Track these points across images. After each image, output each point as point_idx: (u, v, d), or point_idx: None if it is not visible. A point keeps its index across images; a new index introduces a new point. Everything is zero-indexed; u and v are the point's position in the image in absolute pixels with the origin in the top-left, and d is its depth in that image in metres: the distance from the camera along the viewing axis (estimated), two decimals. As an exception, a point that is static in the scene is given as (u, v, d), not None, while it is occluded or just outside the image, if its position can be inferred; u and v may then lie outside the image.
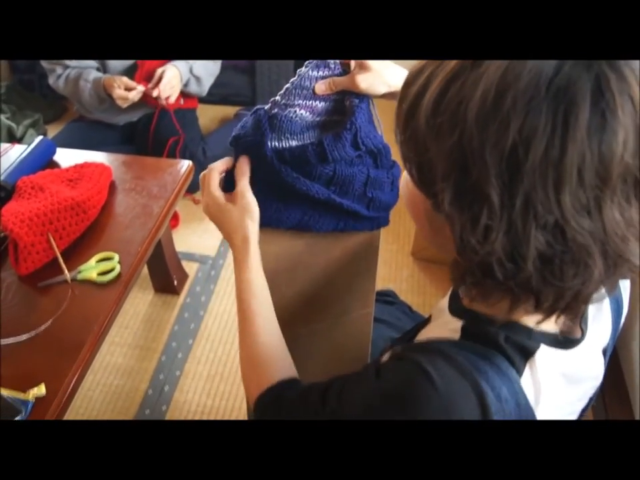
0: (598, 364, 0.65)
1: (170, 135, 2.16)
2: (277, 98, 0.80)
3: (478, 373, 0.53)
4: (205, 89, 2.20)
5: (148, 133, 2.19)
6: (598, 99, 0.43)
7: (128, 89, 1.96)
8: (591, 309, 0.64)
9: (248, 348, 0.77)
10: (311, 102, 0.80)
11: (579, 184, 0.44)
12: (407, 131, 0.53)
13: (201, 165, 2.18)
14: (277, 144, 0.80)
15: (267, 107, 0.81)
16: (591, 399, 0.69)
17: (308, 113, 0.81)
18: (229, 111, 2.73)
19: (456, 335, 0.59)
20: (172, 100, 2.04)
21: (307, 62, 0.80)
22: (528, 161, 0.44)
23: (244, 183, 0.80)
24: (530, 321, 0.57)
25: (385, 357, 0.62)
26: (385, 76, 0.78)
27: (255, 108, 0.83)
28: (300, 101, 0.80)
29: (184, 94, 2.15)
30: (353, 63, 0.79)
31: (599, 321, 0.65)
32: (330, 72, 0.79)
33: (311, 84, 0.79)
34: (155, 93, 1.97)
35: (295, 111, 0.80)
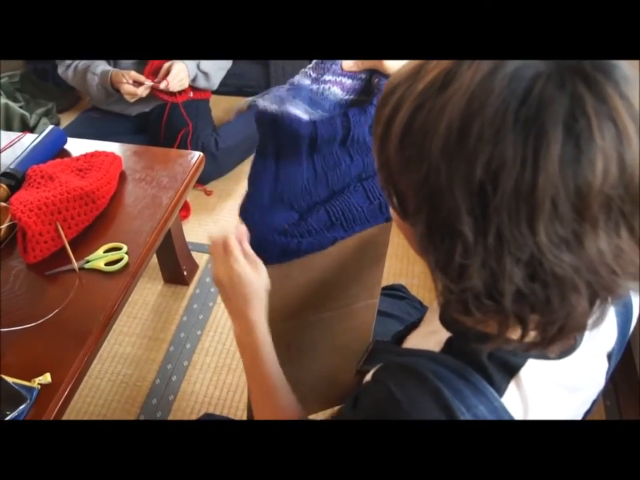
0: (600, 370, 0.64)
1: (182, 126, 2.16)
2: (308, 70, 0.79)
3: (452, 391, 0.52)
4: (214, 83, 2.19)
5: (160, 124, 2.19)
6: (571, 126, 0.39)
7: (136, 83, 1.96)
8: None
9: (265, 404, 0.79)
10: (340, 78, 0.79)
11: (554, 217, 0.41)
12: (381, 157, 0.50)
13: (213, 156, 2.18)
14: (307, 118, 0.78)
15: (296, 77, 0.79)
16: (594, 402, 0.68)
17: (339, 90, 0.79)
18: (243, 102, 2.72)
19: (438, 348, 0.58)
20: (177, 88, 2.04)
21: None
22: (497, 196, 0.41)
23: (249, 248, 0.77)
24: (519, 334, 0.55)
25: (368, 377, 0.61)
26: None
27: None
28: (330, 77, 0.78)
29: (193, 87, 2.15)
30: None
31: (600, 326, 0.63)
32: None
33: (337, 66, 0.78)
34: (162, 85, 1.97)
35: (328, 87, 0.78)
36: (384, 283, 1.65)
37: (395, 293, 1.53)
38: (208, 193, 2.28)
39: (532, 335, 0.50)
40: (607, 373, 0.65)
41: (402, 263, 1.99)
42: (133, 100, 1.99)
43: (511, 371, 0.55)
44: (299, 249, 0.83)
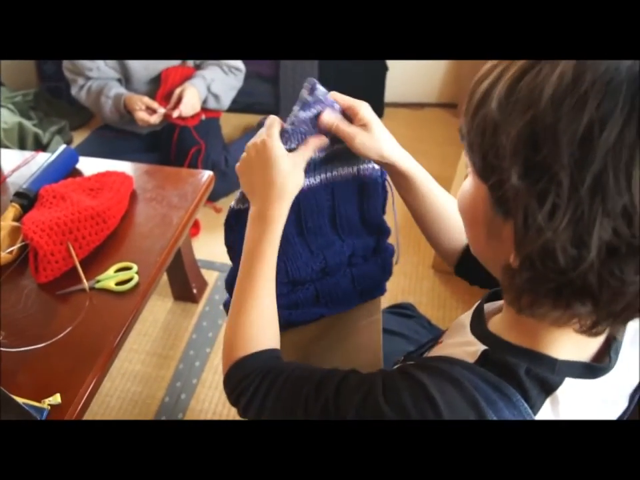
0: (630, 385, 0.63)
1: (192, 144, 2.18)
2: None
3: (486, 402, 0.52)
4: (224, 104, 2.21)
5: (171, 142, 2.21)
6: None
7: (149, 110, 1.99)
8: (628, 335, 0.62)
9: (251, 306, 0.74)
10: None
11: None
12: (475, 119, 0.51)
13: (222, 174, 2.20)
14: None
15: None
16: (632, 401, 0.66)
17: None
18: (252, 119, 2.75)
19: (472, 359, 0.58)
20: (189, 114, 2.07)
21: (296, 104, 0.80)
22: (601, 140, 0.42)
23: (305, 154, 0.78)
24: (559, 350, 0.55)
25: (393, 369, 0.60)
26: (381, 145, 0.79)
27: None
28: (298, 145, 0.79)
29: (204, 108, 2.17)
30: (358, 117, 0.78)
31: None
32: (322, 106, 0.78)
33: (307, 126, 0.78)
34: (175, 114, 2.00)
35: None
36: (392, 301, 1.65)
37: (403, 311, 1.53)
38: (217, 210, 2.29)
39: (600, 305, 0.48)
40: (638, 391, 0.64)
41: (410, 281, 1.99)
42: (145, 125, 2.02)
43: (548, 389, 0.55)
44: (289, 320, 0.87)
